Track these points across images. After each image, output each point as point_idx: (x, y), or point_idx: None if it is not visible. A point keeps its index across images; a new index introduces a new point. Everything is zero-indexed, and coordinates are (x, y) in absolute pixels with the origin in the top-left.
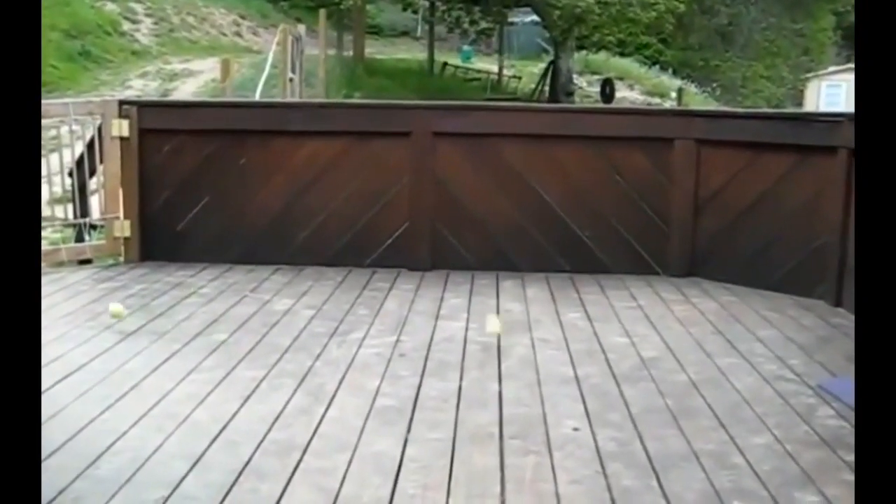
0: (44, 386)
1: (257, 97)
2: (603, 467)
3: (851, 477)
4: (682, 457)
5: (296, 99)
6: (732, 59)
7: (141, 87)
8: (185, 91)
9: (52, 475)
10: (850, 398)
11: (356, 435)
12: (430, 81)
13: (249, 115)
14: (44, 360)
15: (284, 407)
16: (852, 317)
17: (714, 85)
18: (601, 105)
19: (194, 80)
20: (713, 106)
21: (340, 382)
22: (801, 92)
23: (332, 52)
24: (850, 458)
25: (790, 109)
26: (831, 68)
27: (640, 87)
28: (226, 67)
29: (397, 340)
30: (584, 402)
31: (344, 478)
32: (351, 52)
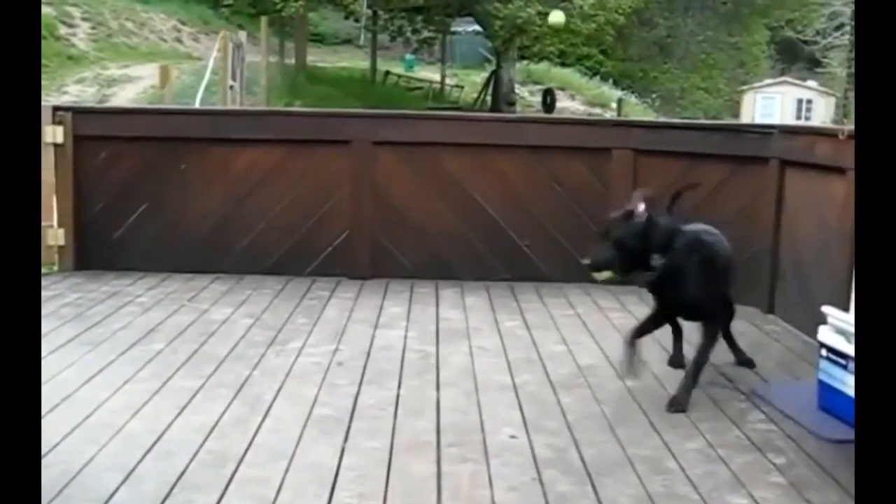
0: None
1: (197, 104)
2: (539, 474)
3: (780, 479)
4: (617, 463)
5: (236, 106)
6: (671, 70)
7: (78, 92)
8: (124, 97)
9: None
10: (781, 403)
11: (293, 444)
12: (373, 90)
13: (189, 123)
14: None
15: (221, 417)
16: (784, 323)
17: (653, 96)
18: (541, 115)
19: (133, 87)
20: (652, 116)
21: (278, 392)
22: (738, 103)
23: (273, 59)
24: (779, 460)
25: (726, 121)
26: (766, 81)
27: (581, 97)
28: (165, 74)
29: (336, 349)
30: (521, 410)
31: (280, 488)
32: (293, 60)
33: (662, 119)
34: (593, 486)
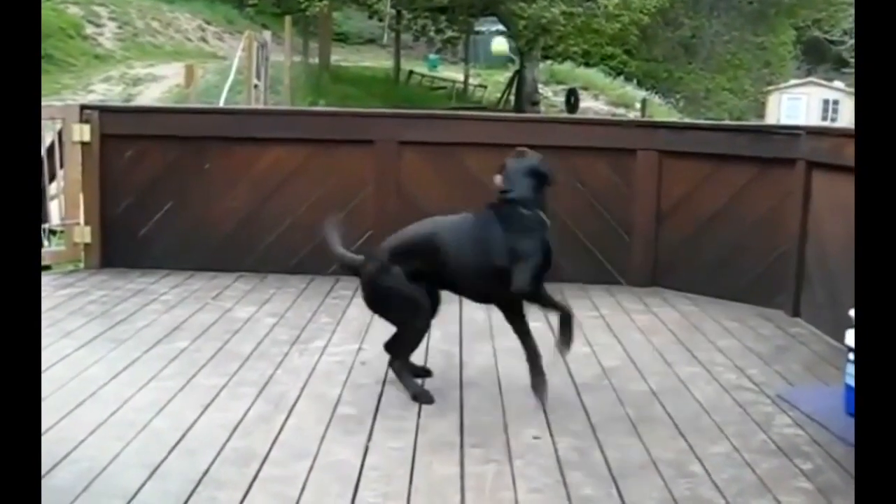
0: None
1: (222, 103)
2: (563, 476)
3: (807, 485)
4: (641, 465)
5: (260, 106)
6: (695, 71)
7: (104, 91)
8: (149, 96)
9: None
10: (808, 407)
11: (316, 443)
12: (396, 89)
13: (213, 122)
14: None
15: (244, 415)
16: (810, 326)
17: (677, 96)
18: (565, 115)
19: (158, 86)
20: (676, 117)
21: (301, 391)
22: (763, 104)
23: (297, 59)
24: (806, 466)
25: (752, 122)
26: (792, 81)
27: (605, 97)
28: (190, 73)
29: (359, 348)
30: (544, 411)
31: (304, 487)
32: (316, 60)
33: (687, 120)
34: (617, 488)
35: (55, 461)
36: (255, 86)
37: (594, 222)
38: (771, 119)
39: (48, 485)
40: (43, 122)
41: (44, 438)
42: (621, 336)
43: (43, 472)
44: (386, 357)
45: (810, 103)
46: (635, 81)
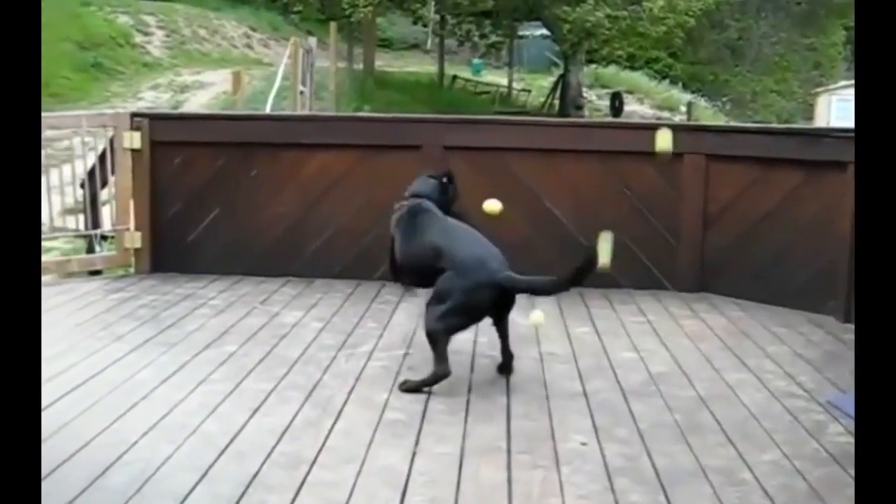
0: (54, 396)
1: (268, 110)
2: (611, 482)
3: None
4: (690, 472)
5: (306, 112)
6: (742, 73)
7: (152, 98)
8: (197, 103)
9: (61, 486)
10: None
11: (364, 448)
12: (440, 94)
13: (260, 128)
14: (54, 371)
15: (293, 419)
16: None
17: (724, 99)
18: (611, 119)
19: (205, 93)
20: (722, 120)
21: (349, 395)
22: (812, 106)
23: (342, 64)
24: None
25: (800, 124)
26: (842, 83)
27: (650, 101)
28: (237, 80)
29: (405, 353)
30: (591, 417)
31: (352, 491)
32: (361, 65)
33: (733, 123)
34: (666, 495)
35: (109, 463)
36: (301, 92)
37: (641, 227)
38: (820, 121)
39: (102, 486)
40: (95, 130)
41: (96, 441)
42: (668, 342)
43: (96, 473)
44: (431, 364)
45: None
46: (681, 84)
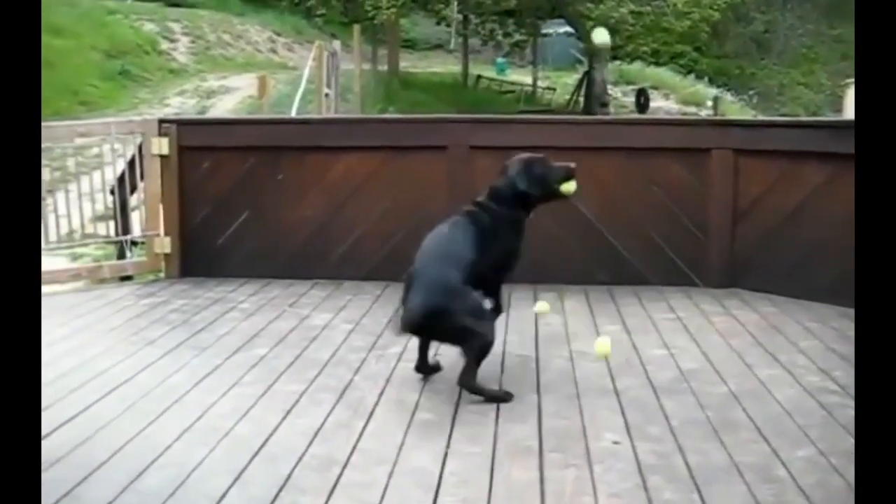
0: (89, 400)
1: (293, 113)
2: (643, 480)
3: None
4: (724, 470)
5: (331, 114)
6: (769, 66)
7: (179, 104)
8: (223, 108)
9: (98, 488)
10: None
11: (396, 449)
12: (465, 94)
13: (286, 131)
14: (89, 375)
15: (324, 421)
16: None
17: (750, 93)
18: (637, 116)
19: (231, 97)
20: (750, 114)
21: (380, 397)
22: (840, 98)
23: (366, 66)
24: None
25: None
26: None
27: (676, 96)
28: (263, 84)
29: (435, 354)
30: (623, 415)
31: (384, 492)
32: (385, 67)
33: (760, 116)
34: (700, 493)
35: (144, 466)
36: (326, 95)
37: (669, 224)
38: (849, 114)
39: (137, 488)
40: (124, 137)
41: (131, 444)
42: (699, 338)
43: (132, 476)
44: (461, 364)
45: None
46: (706, 79)
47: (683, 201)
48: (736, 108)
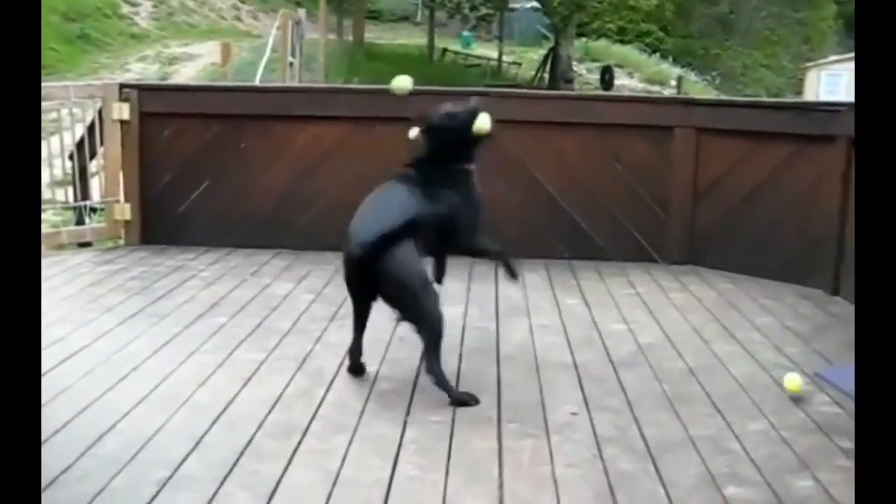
0: (46, 367)
1: (257, 81)
2: (600, 451)
3: (847, 462)
4: (679, 442)
5: (296, 83)
6: (733, 47)
7: (140, 70)
8: (185, 75)
9: (55, 454)
10: (847, 386)
11: (356, 417)
12: (430, 67)
13: (250, 100)
14: (45, 342)
15: (284, 389)
16: (850, 305)
17: (714, 73)
18: (601, 93)
19: (194, 64)
20: (712, 94)
21: (340, 367)
22: (801, 81)
23: (331, 36)
24: (846, 444)
25: (789, 98)
26: (832, 57)
27: (640, 74)
28: (226, 51)
29: (396, 325)
30: (581, 388)
31: (344, 459)
32: (350, 37)
33: (723, 97)
34: (655, 464)
35: (102, 431)
36: (291, 63)
37: (630, 200)
38: (809, 96)
39: (96, 454)
40: (83, 101)
41: (89, 410)
42: (658, 314)
43: (90, 441)
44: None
45: (851, 80)
46: (671, 58)
47: (646, 178)
48: (699, 88)
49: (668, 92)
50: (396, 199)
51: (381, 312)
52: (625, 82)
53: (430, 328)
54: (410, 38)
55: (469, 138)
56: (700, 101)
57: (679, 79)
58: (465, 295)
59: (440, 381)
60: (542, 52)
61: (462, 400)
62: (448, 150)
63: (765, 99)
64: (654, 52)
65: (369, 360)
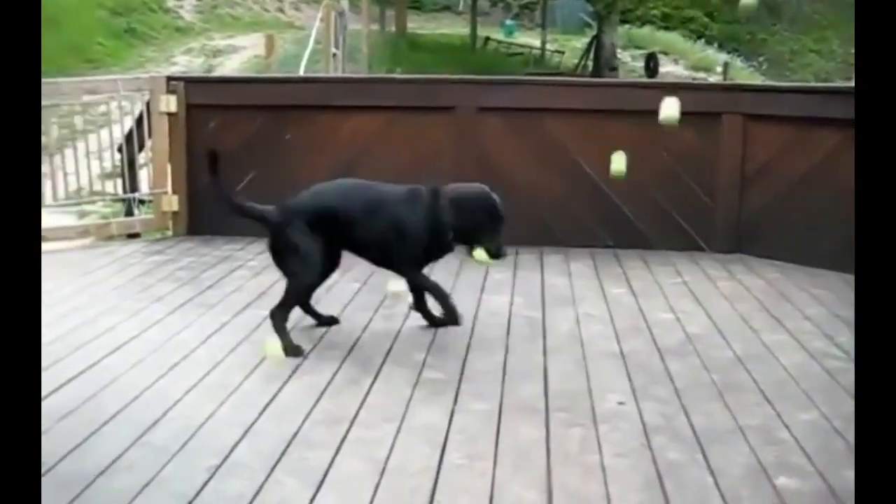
0: (97, 356)
1: (301, 73)
2: (648, 440)
3: None
4: (728, 431)
5: (339, 74)
6: (780, 32)
7: (185, 63)
8: (229, 67)
9: (106, 443)
10: None
11: (403, 406)
12: (473, 56)
13: (294, 91)
14: (96, 332)
15: (332, 378)
16: None
17: (761, 59)
18: (647, 80)
19: (238, 57)
20: (759, 80)
21: (387, 355)
22: (852, 66)
23: (374, 27)
24: None
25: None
26: None
27: (685, 61)
28: (270, 43)
29: (443, 314)
30: (629, 377)
31: (391, 448)
32: (393, 28)
33: (770, 83)
34: (703, 453)
35: (153, 420)
36: (334, 55)
37: (677, 188)
38: None
39: (147, 441)
40: (132, 94)
41: (141, 398)
42: (705, 303)
43: (141, 430)
44: (468, 324)
45: None
46: (717, 45)
47: (691, 166)
48: (746, 75)
49: (713, 79)
50: (355, 193)
51: (429, 300)
52: (670, 69)
53: (292, 289)
54: (453, 27)
55: (467, 237)
56: (748, 87)
57: (725, 65)
58: (512, 284)
59: (277, 325)
60: (586, 39)
61: (290, 347)
62: (467, 229)
63: (814, 84)
64: (700, 38)
65: (415, 350)
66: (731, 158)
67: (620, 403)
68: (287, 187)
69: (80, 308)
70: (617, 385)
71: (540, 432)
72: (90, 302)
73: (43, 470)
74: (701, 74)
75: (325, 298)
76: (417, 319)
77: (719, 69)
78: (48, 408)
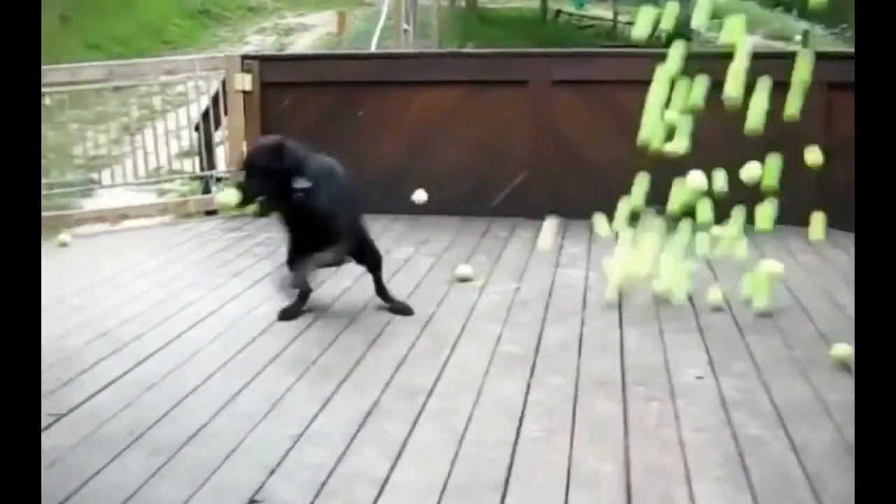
0: (179, 329)
1: (373, 49)
2: (728, 416)
3: None
4: (810, 407)
5: (411, 50)
6: None
7: (258, 42)
8: (302, 45)
9: (191, 413)
10: None
11: (480, 379)
12: (544, 30)
13: (366, 67)
14: (178, 306)
15: (408, 351)
16: None
17: (843, 26)
18: (723, 49)
19: (309, 35)
20: (842, 48)
21: (463, 328)
22: None
23: (444, 2)
24: None
25: None
26: None
27: (762, 30)
28: (342, 20)
29: (517, 288)
30: (707, 351)
31: (469, 420)
32: (464, 2)
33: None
34: (786, 430)
35: (235, 391)
36: (405, 30)
37: (757, 159)
38: None
39: (231, 411)
40: (207, 74)
41: (222, 370)
42: (787, 277)
43: (225, 400)
44: (543, 298)
45: None
46: (795, 12)
47: (773, 138)
48: (827, 43)
49: (793, 47)
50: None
51: (502, 282)
52: (746, 39)
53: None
54: (523, 1)
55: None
56: (831, 55)
57: (805, 33)
58: (586, 257)
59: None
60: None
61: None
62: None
63: None
64: (777, 6)
65: (490, 324)
66: (814, 130)
67: (699, 378)
68: (359, 163)
69: (162, 283)
70: (695, 359)
71: (617, 406)
72: (172, 277)
73: (133, 438)
74: (779, 43)
75: (400, 273)
76: (492, 293)
77: (798, 38)
78: (134, 379)
